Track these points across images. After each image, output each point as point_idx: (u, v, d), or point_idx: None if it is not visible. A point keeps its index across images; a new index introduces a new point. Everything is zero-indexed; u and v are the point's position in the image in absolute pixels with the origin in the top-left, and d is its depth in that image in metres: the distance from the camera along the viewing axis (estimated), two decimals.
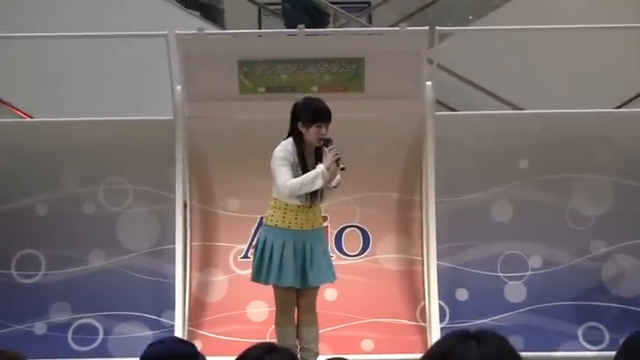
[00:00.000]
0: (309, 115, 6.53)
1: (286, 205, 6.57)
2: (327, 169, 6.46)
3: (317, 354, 6.63)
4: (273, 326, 6.81)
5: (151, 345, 3.46)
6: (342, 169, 6.47)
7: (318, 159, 6.56)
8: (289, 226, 6.57)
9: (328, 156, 6.47)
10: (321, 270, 6.60)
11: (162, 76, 7.72)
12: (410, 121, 7.79)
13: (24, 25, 8.85)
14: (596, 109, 8.12)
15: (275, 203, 6.62)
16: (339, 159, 6.45)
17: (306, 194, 6.53)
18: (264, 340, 7.00)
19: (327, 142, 6.50)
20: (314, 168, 6.50)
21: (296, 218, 6.57)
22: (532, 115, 8.28)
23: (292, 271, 6.52)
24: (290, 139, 6.58)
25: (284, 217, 6.59)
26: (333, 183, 6.56)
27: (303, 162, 6.53)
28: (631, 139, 7.81)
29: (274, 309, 6.79)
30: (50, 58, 9.52)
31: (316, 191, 6.55)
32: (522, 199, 7.78)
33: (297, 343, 6.63)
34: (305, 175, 6.48)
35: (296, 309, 6.68)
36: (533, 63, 10.10)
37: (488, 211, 7.79)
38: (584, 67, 10.17)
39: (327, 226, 7.42)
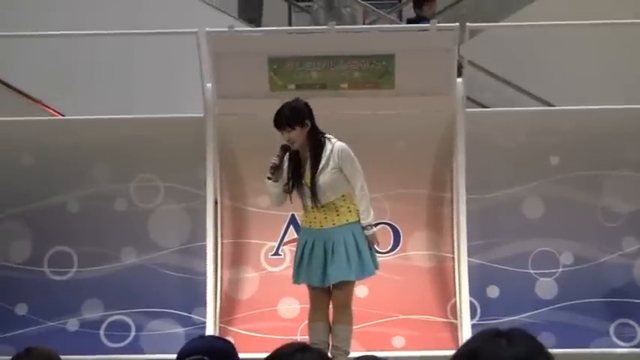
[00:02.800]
0: None
1: (305, 207, 6.64)
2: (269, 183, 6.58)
3: (347, 352, 6.61)
4: (305, 323, 6.84)
5: (191, 340, 3.60)
6: (269, 178, 6.56)
7: (314, 161, 6.57)
8: (310, 225, 6.61)
9: None
10: (341, 267, 6.50)
11: (194, 73, 7.74)
12: (440, 117, 7.77)
13: (56, 24, 8.89)
14: (628, 105, 8.06)
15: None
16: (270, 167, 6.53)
17: (307, 195, 6.54)
18: (295, 337, 7.06)
19: (284, 147, 6.60)
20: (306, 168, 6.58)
21: (315, 217, 6.59)
22: (563, 112, 8.25)
23: (306, 269, 6.55)
24: None
25: (305, 217, 6.67)
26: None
27: (294, 165, 6.61)
28: None
29: (307, 305, 6.81)
30: (82, 57, 9.57)
31: (314, 194, 6.53)
32: (553, 196, 7.75)
33: (330, 340, 6.64)
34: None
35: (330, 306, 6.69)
36: (565, 59, 10.06)
37: (520, 207, 7.77)
38: (615, 63, 10.11)
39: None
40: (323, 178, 6.50)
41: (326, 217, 6.57)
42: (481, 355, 2.21)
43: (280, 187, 6.59)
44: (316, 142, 6.56)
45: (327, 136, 6.60)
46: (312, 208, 6.57)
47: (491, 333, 2.25)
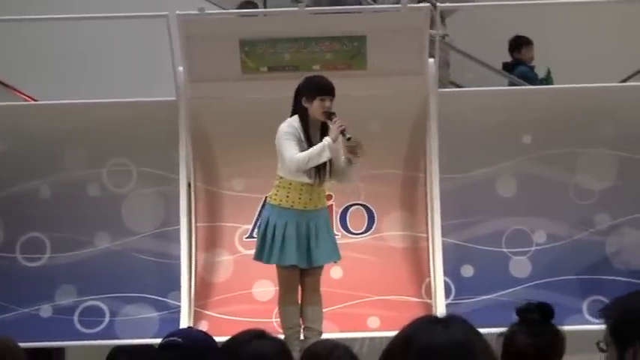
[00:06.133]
0: (312, 89, 6.56)
1: (290, 183, 6.56)
2: (334, 140, 6.45)
3: (320, 333, 6.63)
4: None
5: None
6: (349, 139, 6.45)
7: (324, 136, 6.55)
8: (292, 206, 6.56)
9: (333, 128, 6.47)
10: (326, 249, 6.62)
11: (166, 57, 7.71)
12: (413, 98, 7.77)
13: (27, 9, 8.84)
14: (601, 84, 8.09)
15: (279, 182, 6.62)
16: (344, 130, 6.44)
17: (314, 172, 6.53)
18: (270, 320, 7.08)
19: (331, 115, 6.50)
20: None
21: (300, 197, 6.57)
22: (536, 91, 8.28)
23: (295, 251, 6.52)
24: (295, 116, 6.58)
25: (287, 196, 6.58)
26: (344, 158, 6.55)
27: (309, 139, 6.53)
28: (635, 112, 7.78)
29: (279, 289, 6.80)
30: (54, 41, 9.52)
31: (324, 169, 6.55)
32: (527, 175, 7.77)
33: (301, 322, 6.66)
34: (312, 149, 6.47)
35: (300, 288, 6.70)
36: (539, 37, 10.07)
37: (493, 186, 7.79)
38: (589, 42, 10.15)
39: (331, 205, 7.40)
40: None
41: (311, 198, 6.59)
42: (416, 341, 2.20)
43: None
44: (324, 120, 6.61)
45: None
46: (304, 185, 6.54)
47: (427, 319, 2.25)
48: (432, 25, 9.62)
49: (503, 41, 10.03)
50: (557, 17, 10.12)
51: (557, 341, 3.72)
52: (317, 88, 6.56)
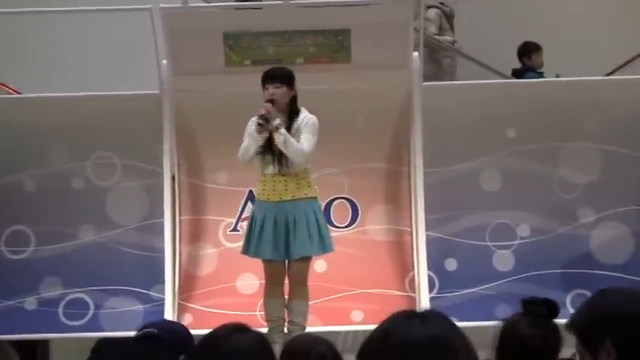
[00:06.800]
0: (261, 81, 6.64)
1: (264, 176, 6.63)
2: (257, 129, 6.48)
3: (304, 327, 6.63)
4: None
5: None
6: (259, 124, 6.46)
7: (292, 124, 6.59)
8: (268, 198, 6.60)
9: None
10: (303, 242, 6.56)
11: (151, 50, 7.70)
12: (397, 91, 7.78)
13: (11, 2, 8.80)
14: (585, 77, 8.11)
15: (259, 176, 6.69)
16: (261, 115, 6.45)
17: (272, 160, 6.54)
18: (254, 313, 7.08)
19: (269, 102, 6.54)
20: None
21: (274, 189, 6.58)
22: (520, 84, 8.28)
23: (270, 244, 6.54)
24: None
25: (263, 189, 6.64)
26: (279, 145, 6.52)
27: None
28: (619, 106, 7.79)
29: (264, 281, 6.81)
30: (38, 34, 9.49)
31: (278, 157, 6.55)
32: (511, 168, 7.78)
33: (286, 316, 6.66)
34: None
35: (287, 281, 6.70)
36: (524, 31, 10.09)
37: (477, 180, 7.79)
38: (573, 35, 10.16)
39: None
40: None
41: (286, 189, 6.58)
42: (394, 335, 2.19)
43: (264, 140, 6.53)
44: (295, 109, 6.62)
45: (302, 108, 6.67)
46: (274, 175, 6.56)
47: (405, 314, 2.24)
48: (442, 31, 9.69)
49: (491, 39, 10.04)
50: (542, 10, 10.12)
51: (557, 337, 3.72)
52: (261, 80, 6.63)
